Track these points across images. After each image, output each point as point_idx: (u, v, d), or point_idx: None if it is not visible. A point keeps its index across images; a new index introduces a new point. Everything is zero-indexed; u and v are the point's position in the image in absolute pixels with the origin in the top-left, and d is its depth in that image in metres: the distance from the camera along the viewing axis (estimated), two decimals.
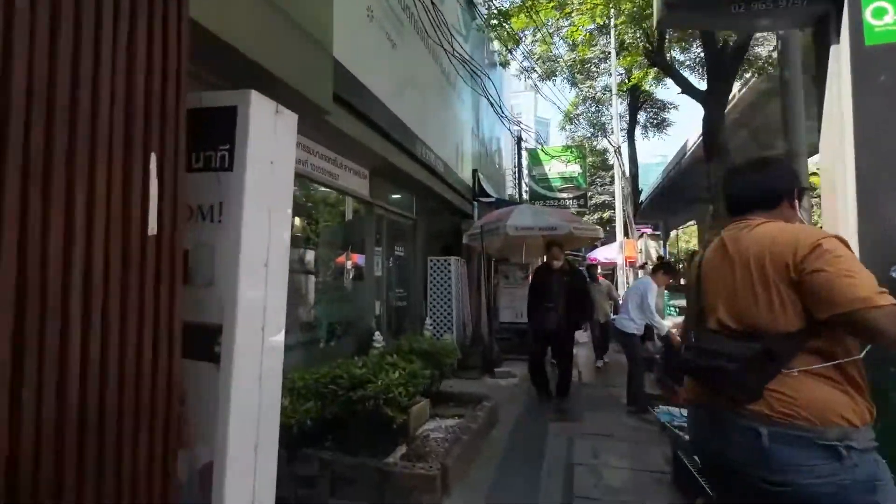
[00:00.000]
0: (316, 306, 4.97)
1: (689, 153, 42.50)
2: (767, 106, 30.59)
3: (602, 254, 12.99)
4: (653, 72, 8.24)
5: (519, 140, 17.44)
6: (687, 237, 56.27)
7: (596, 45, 13.40)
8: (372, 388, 3.28)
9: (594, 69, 15.40)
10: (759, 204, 1.50)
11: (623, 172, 11.20)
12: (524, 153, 17.25)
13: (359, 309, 5.86)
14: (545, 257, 5.75)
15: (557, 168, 16.70)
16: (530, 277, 9.22)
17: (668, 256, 13.03)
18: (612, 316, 7.83)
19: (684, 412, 3.32)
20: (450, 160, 8.41)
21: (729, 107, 30.54)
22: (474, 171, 10.10)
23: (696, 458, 2.70)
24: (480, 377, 6.87)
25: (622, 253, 10.41)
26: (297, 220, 5.18)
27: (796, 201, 1.51)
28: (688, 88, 6.64)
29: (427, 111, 7.35)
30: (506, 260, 9.61)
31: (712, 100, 6.36)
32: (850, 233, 1.85)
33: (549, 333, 5.53)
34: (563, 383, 5.64)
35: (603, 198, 30.18)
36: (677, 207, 45.44)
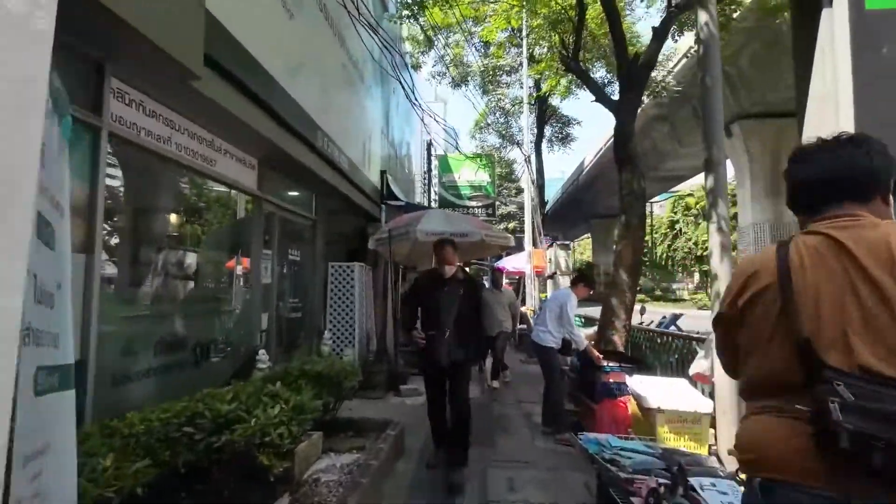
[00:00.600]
0: (186, 320, 4.03)
1: (585, 171, 45.21)
2: (653, 131, 33.34)
3: (510, 263, 12.98)
4: (565, 81, 8.23)
5: (429, 146, 17.11)
6: (581, 249, 59.83)
7: (509, 52, 13.47)
8: (242, 430, 2.52)
9: (506, 77, 15.51)
10: (854, 192, 1.09)
11: (532, 181, 11.23)
12: (434, 160, 16.94)
13: (241, 322, 4.96)
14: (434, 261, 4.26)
15: (467, 176, 16.61)
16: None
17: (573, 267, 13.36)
18: (507, 328, 7.39)
19: (613, 441, 2.96)
20: (356, 158, 7.72)
21: None
22: (383, 173, 9.48)
23: None
24: (385, 396, 6.22)
25: (530, 262, 10.34)
26: (171, 217, 4.21)
27: (890, 196, 1.11)
28: (601, 97, 6.63)
29: (331, 101, 6.62)
30: (414, 268, 9.07)
31: (624, 109, 6.38)
32: None
33: (442, 370, 3.83)
34: (459, 443, 3.85)
35: (509, 208, 30.99)
36: (576, 220, 48.16)
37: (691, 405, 3.61)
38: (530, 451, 4.31)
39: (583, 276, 5.10)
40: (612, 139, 6.63)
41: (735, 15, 21.64)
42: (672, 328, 6.49)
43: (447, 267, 4.00)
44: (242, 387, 3.07)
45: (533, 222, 10.95)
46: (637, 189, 6.06)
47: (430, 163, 16.49)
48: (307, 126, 5.44)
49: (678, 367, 5.19)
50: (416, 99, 12.65)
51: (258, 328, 5.17)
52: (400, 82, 9.43)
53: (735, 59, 25.10)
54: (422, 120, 14.65)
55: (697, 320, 6.91)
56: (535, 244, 10.83)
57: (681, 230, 56.36)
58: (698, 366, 4.00)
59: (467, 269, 18.64)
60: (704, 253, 51.59)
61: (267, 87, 4.31)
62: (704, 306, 30.85)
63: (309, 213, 6.62)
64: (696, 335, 5.01)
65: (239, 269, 5.14)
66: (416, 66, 16.09)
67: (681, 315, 6.47)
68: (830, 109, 1.47)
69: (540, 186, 14.29)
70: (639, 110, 26.54)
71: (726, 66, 25.22)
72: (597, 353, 4.65)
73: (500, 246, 8.58)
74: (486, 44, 12.03)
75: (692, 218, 56.80)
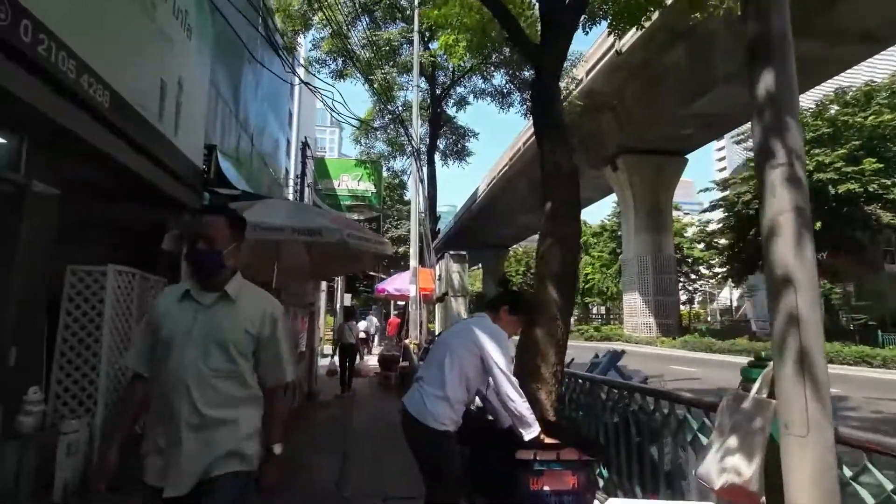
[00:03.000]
0: None
1: (479, 198, 44.76)
2: (514, 188, 33.35)
3: (392, 284, 10.61)
4: (464, 40, 6.31)
5: (304, 145, 14.41)
6: (472, 280, 59.22)
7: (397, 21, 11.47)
8: None
9: (394, 58, 13.46)
10: None
11: (420, 179, 9.18)
12: (310, 162, 14.25)
13: None
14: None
15: (348, 184, 14.14)
16: (287, 314, 6.15)
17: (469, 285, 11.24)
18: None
19: None
20: (150, 110, 4.94)
21: (513, 160, 32.31)
22: (210, 148, 6.68)
23: None
24: None
25: (415, 283, 8.11)
26: None
27: None
28: (520, 40, 4.73)
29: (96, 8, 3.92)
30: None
31: (548, 57, 4.51)
32: None
33: None
34: None
35: (400, 231, 28.80)
36: (469, 252, 47.30)
37: None
38: None
39: (512, 297, 2.92)
40: (531, 102, 4.72)
41: (624, 47, 22.25)
42: (612, 374, 4.48)
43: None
44: None
45: (420, 234, 8.77)
46: (565, 166, 4.11)
47: (304, 165, 13.77)
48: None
49: (642, 454, 3.19)
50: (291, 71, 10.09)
51: None
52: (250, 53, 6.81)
53: (620, 94, 26.07)
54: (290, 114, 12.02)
55: (643, 360, 5.12)
56: (421, 262, 8.68)
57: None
58: (728, 469, 1.95)
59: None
60: (587, 286, 53.93)
61: None
62: (591, 337, 30.98)
63: (15, 175, 3.68)
64: (676, 392, 3.02)
65: None
66: (289, 49, 13.49)
67: (622, 352, 4.56)
68: None
69: (432, 197, 12.29)
70: (531, 139, 26.42)
71: (613, 99, 26.00)
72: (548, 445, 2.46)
73: (376, 254, 6.21)
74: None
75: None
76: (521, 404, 2.50)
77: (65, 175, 4.25)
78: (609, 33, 6.19)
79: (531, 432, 2.48)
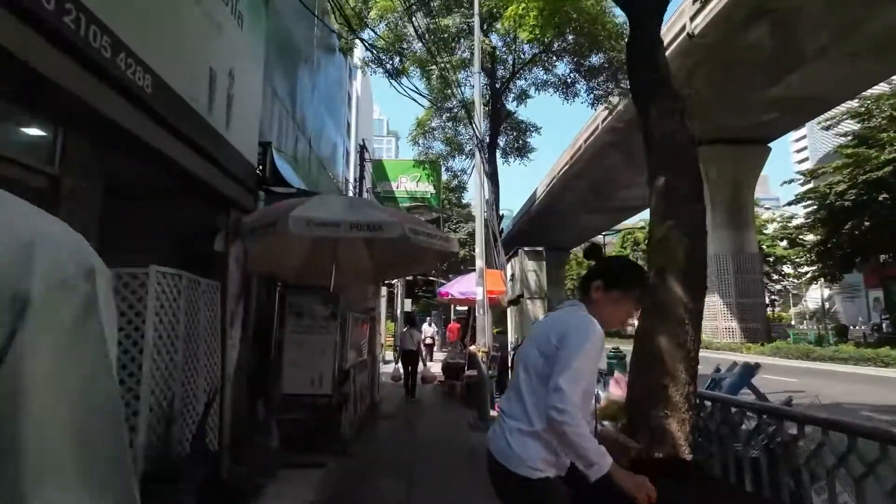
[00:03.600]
0: None
1: (538, 200, 43.52)
2: (607, 158, 32.03)
3: (456, 287, 9.96)
4: (534, 9, 5.57)
5: (362, 148, 14.16)
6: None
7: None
8: None
9: (453, 44, 12.90)
10: None
11: (485, 171, 8.47)
12: (368, 164, 13.96)
13: None
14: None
15: (407, 185, 13.71)
16: (347, 319, 5.69)
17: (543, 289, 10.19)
18: None
19: None
20: (199, 102, 4.60)
21: (573, 159, 30.98)
22: (265, 146, 6.33)
23: None
24: None
25: (482, 285, 7.37)
26: None
27: None
28: None
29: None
30: (299, 287, 5.89)
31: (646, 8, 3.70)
32: None
33: None
34: None
35: (459, 235, 28.25)
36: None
37: None
38: None
39: (607, 266, 2.09)
40: (626, 61, 3.93)
41: (696, 30, 20.57)
42: (745, 393, 3.52)
43: None
44: None
45: (487, 231, 8.00)
46: (679, 134, 3.29)
47: (362, 168, 13.50)
48: None
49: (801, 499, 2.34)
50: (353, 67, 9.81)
51: None
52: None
53: (692, 81, 24.17)
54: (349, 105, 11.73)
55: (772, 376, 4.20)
56: (490, 263, 7.92)
57: None
58: None
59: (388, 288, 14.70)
60: None
61: None
62: None
63: (48, 165, 3.34)
64: (854, 423, 2.15)
65: None
66: (346, 51, 13.29)
67: (756, 366, 3.60)
68: None
69: (495, 194, 11.58)
70: (592, 136, 25.12)
71: (683, 88, 24.24)
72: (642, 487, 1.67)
73: (442, 252, 5.58)
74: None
75: (641, 252, 56.52)
76: (582, 431, 1.68)
77: (107, 170, 3.93)
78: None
79: (596, 471, 1.67)
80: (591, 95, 13.59)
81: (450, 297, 9.84)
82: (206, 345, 4.40)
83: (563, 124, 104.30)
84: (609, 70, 12.97)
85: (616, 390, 3.52)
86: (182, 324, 3.88)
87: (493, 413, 7.71)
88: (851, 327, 31.30)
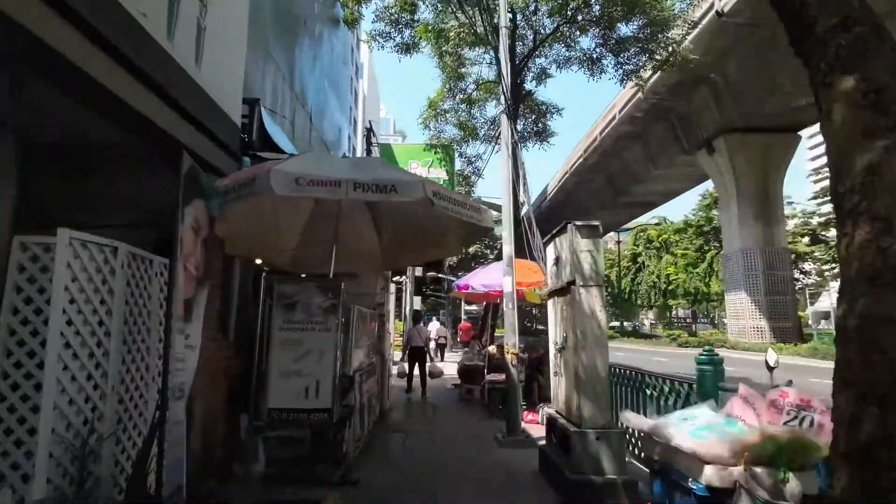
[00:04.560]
0: None
1: (549, 196, 42.18)
2: (625, 150, 30.62)
3: (477, 279, 8.71)
4: None
5: (369, 132, 13.02)
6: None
7: None
8: None
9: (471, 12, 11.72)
10: None
11: (514, 142, 7.23)
12: (375, 149, 12.84)
13: None
14: None
15: (418, 171, 12.56)
16: (351, 313, 4.58)
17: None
18: None
19: None
20: (153, 21, 3.47)
21: (591, 150, 29.60)
22: (252, 103, 5.18)
23: None
24: None
25: (511, 274, 6.10)
26: None
27: None
28: None
29: None
30: (287, 273, 4.74)
31: None
32: None
33: None
34: None
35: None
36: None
37: None
38: None
39: None
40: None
41: (727, 7, 19.20)
42: None
43: None
44: None
45: (515, 208, 6.66)
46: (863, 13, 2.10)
47: (369, 151, 12.36)
48: None
49: None
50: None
51: None
52: None
53: (721, 64, 22.82)
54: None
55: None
56: (526, 250, 6.59)
57: (644, 263, 54.15)
58: None
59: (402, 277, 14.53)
60: (669, 287, 49.51)
61: None
62: (686, 343, 27.54)
63: None
64: None
65: None
66: (351, 22, 12.15)
67: None
68: None
69: (519, 178, 10.33)
70: (609, 126, 23.73)
71: (711, 73, 22.85)
72: None
73: (467, 231, 4.40)
74: None
75: (654, 251, 54.92)
76: None
77: (32, 119, 2.82)
78: None
79: None
80: (620, 70, 12.35)
81: (470, 290, 8.65)
82: (162, 345, 3.26)
83: (586, 109, 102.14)
84: (642, 41, 11.72)
85: (750, 414, 2.35)
86: (117, 315, 2.75)
87: (524, 425, 6.53)
88: None
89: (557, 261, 4.72)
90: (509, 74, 7.39)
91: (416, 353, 9.89)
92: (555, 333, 4.85)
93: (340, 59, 13.33)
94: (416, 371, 9.87)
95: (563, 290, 4.51)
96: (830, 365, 1.83)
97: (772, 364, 3.59)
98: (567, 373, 4.43)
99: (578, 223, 4.32)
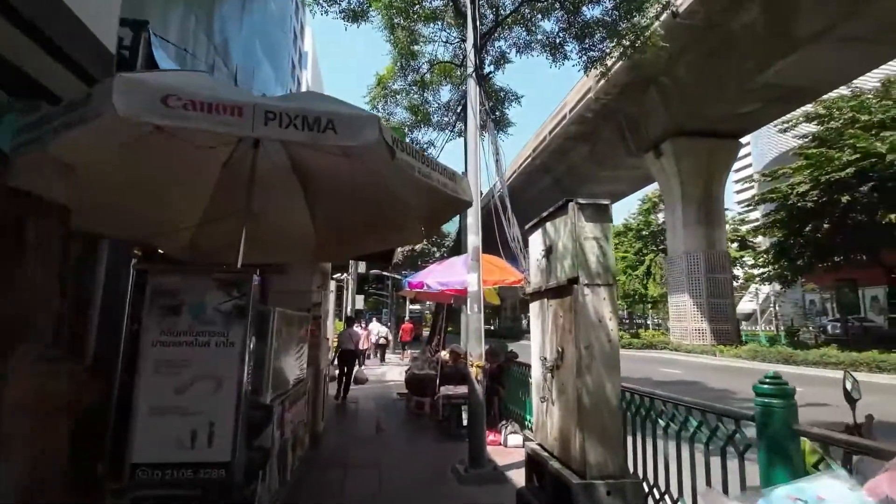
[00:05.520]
0: None
1: (495, 195, 41.97)
2: (573, 151, 30.41)
3: (433, 277, 7.43)
4: None
5: None
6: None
7: None
8: None
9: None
10: None
11: (482, 104, 6.10)
12: None
13: None
14: None
15: None
16: (271, 317, 3.36)
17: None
18: None
19: None
20: None
21: (540, 149, 29.16)
22: (139, 26, 3.72)
23: None
24: None
25: (477, 269, 4.95)
26: None
27: None
28: None
29: None
30: (175, 262, 3.37)
31: None
32: None
33: None
34: None
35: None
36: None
37: None
38: None
39: None
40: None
41: (682, 7, 19.11)
42: None
43: None
44: None
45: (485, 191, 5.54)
46: None
47: None
48: None
49: None
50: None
51: None
52: None
53: (672, 67, 22.93)
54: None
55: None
56: (498, 241, 5.40)
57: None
58: None
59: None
60: None
61: None
62: (630, 344, 27.69)
63: None
64: None
65: None
66: None
67: None
68: None
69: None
70: (559, 126, 23.15)
71: (661, 76, 22.87)
72: None
73: (435, 208, 3.21)
74: None
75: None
76: None
77: None
78: None
79: None
80: (585, 57, 11.55)
81: (425, 288, 7.42)
82: None
83: (538, 100, 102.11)
84: (608, 25, 10.97)
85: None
86: None
87: (488, 454, 5.41)
88: (800, 329, 31.30)
89: (549, 252, 3.62)
90: (477, 19, 6.25)
91: (345, 357, 9.72)
92: (542, 346, 3.75)
93: (277, 24, 11.71)
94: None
95: (559, 291, 3.41)
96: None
97: (855, 396, 2.65)
98: (563, 400, 3.34)
99: (582, 201, 3.24)
